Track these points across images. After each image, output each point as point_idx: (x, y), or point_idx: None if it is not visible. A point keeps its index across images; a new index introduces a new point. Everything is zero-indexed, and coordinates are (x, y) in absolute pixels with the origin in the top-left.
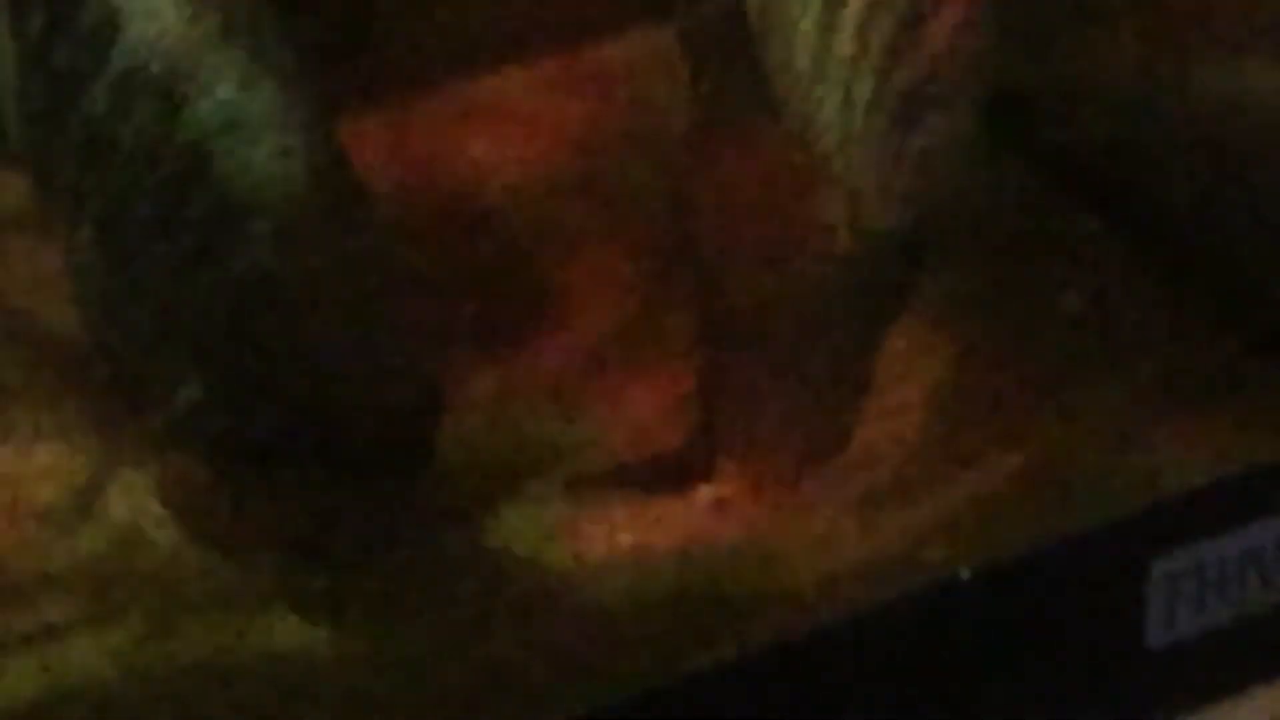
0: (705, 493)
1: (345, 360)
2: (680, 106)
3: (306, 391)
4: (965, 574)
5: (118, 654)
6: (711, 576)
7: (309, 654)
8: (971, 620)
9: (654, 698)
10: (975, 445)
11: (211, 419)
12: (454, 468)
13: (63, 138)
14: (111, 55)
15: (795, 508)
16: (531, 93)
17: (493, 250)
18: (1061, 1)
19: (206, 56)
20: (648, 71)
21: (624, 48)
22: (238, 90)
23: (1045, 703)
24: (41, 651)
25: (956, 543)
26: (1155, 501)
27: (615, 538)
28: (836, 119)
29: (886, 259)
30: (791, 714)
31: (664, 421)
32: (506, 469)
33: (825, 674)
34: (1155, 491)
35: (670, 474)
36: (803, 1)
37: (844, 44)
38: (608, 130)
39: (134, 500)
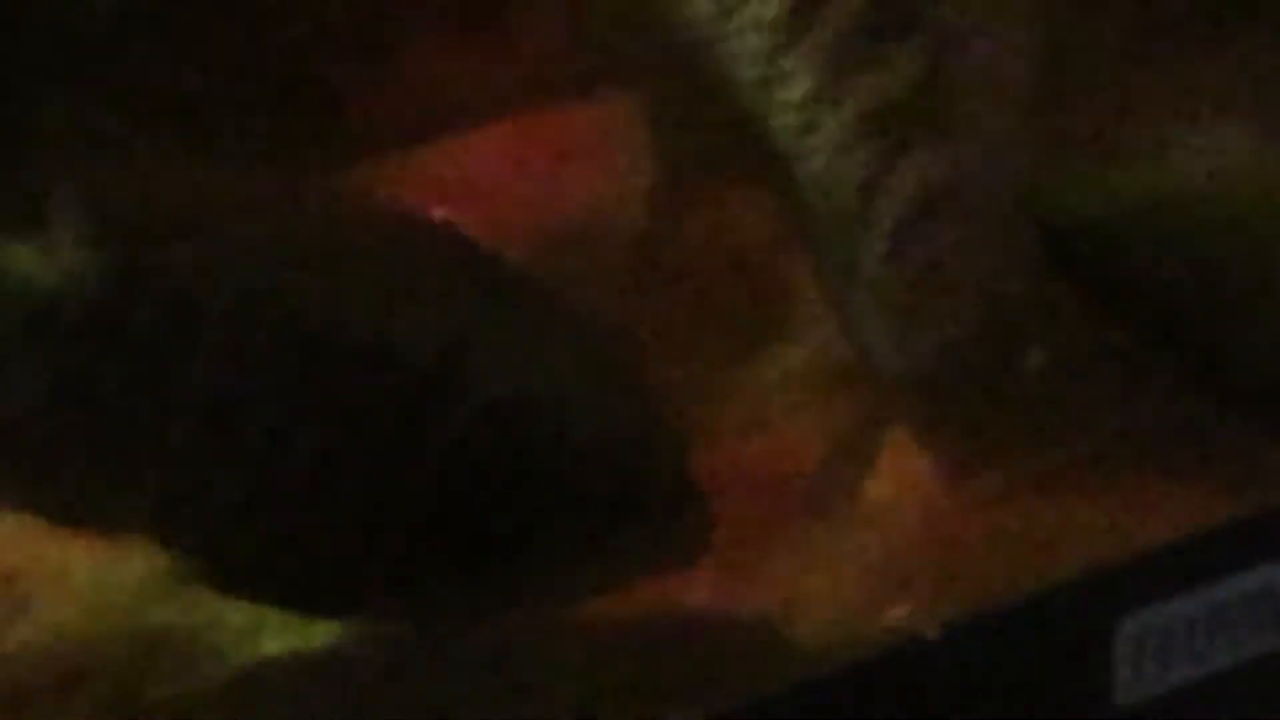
0: None
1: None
2: (643, 171)
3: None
4: (931, 634)
5: None
6: None
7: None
8: (939, 679)
9: None
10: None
11: None
12: None
13: None
14: None
15: None
16: (491, 159)
17: None
18: None
19: None
20: (611, 136)
21: (586, 113)
22: None
23: None
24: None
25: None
26: (1122, 560)
27: None
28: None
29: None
30: None
31: None
32: None
33: None
34: (1122, 549)
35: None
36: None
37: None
38: (570, 195)
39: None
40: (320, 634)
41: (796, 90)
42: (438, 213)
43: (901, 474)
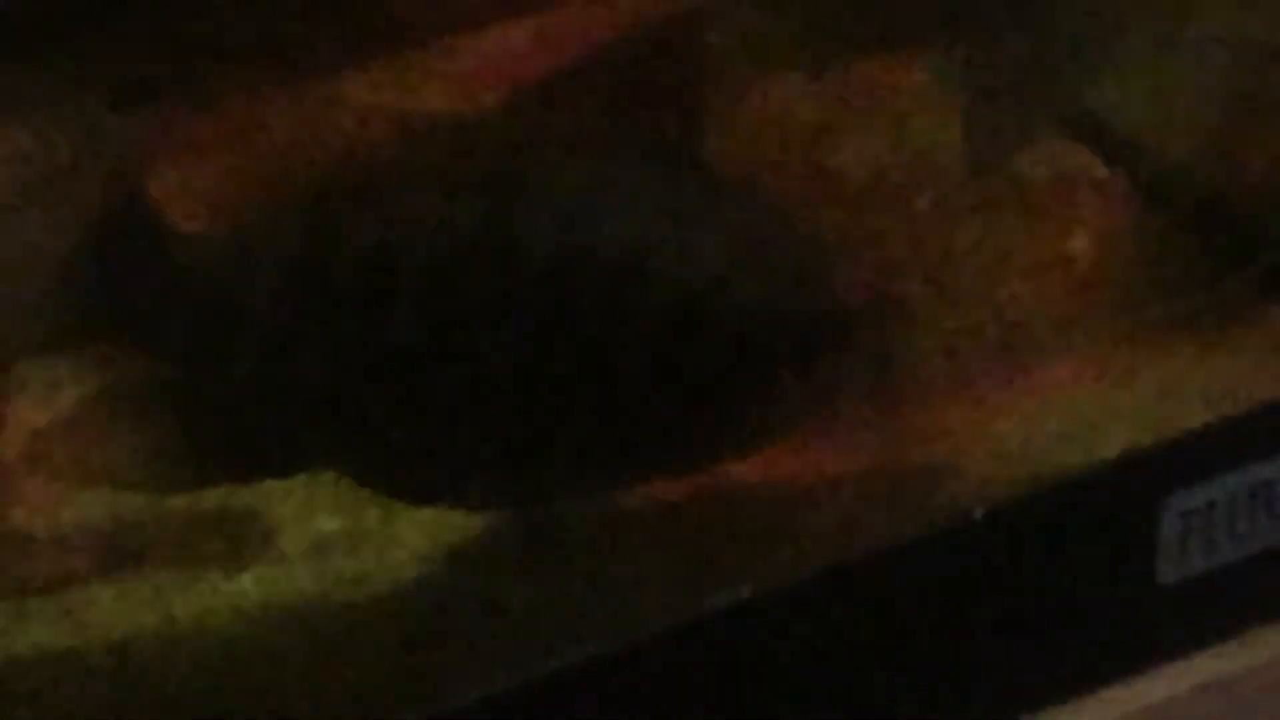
0: None
1: None
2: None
3: None
4: (978, 514)
5: (140, 602)
6: None
7: (329, 601)
8: (984, 559)
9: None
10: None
11: None
12: None
13: None
14: None
15: None
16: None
17: None
18: None
19: None
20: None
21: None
22: None
23: (1057, 641)
24: (63, 599)
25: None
26: (1166, 439)
27: None
28: None
29: None
30: (805, 655)
31: None
32: None
33: (834, 615)
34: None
35: None
36: None
37: None
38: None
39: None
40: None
41: None
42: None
43: None
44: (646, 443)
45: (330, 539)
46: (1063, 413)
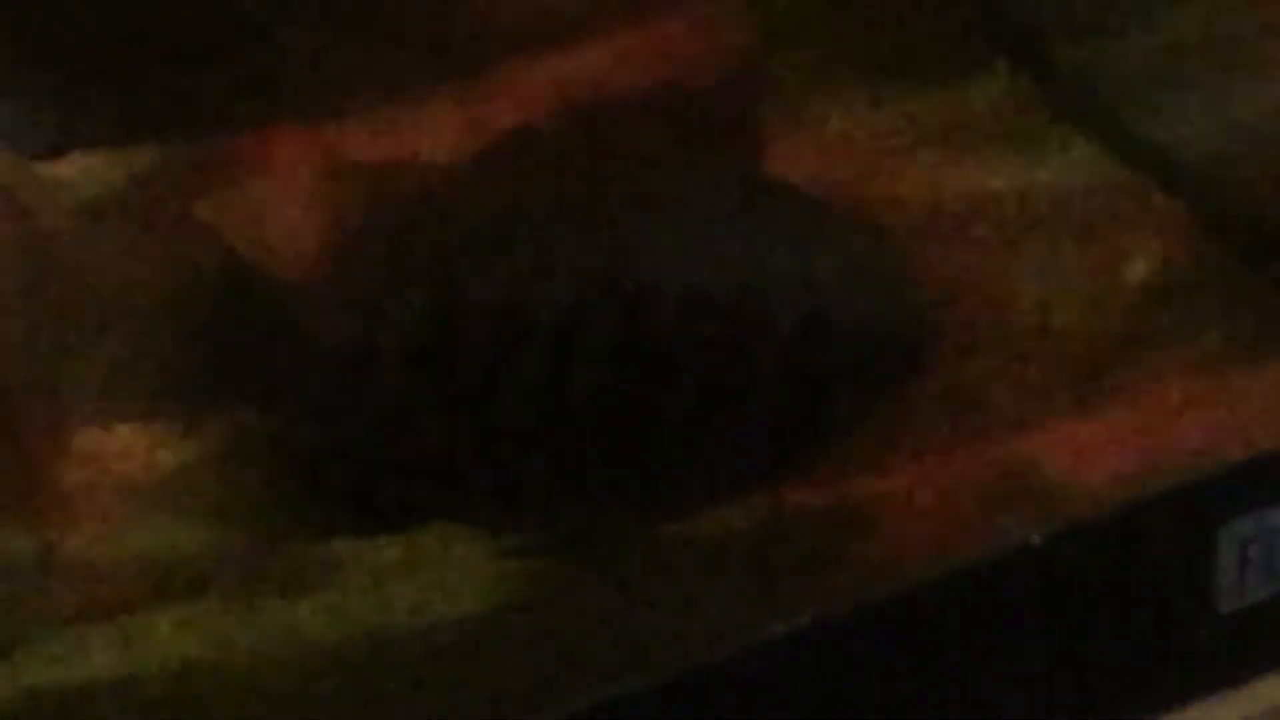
0: None
1: None
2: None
3: None
4: (1036, 539)
5: (198, 628)
6: None
7: (388, 625)
8: (1042, 586)
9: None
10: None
11: None
12: None
13: None
14: None
15: None
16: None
17: None
18: None
19: None
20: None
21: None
22: None
23: (1117, 668)
24: (123, 625)
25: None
26: (1224, 465)
27: None
28: None
29: None
30: (864, 682)
31: None
32: None
33: (897, 640)
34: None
35: None
36: None
37: None
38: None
39: (214, 479)
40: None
41: None
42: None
43: None
44: (779, 464)
45: (390, 567)
46: (1123, 445)
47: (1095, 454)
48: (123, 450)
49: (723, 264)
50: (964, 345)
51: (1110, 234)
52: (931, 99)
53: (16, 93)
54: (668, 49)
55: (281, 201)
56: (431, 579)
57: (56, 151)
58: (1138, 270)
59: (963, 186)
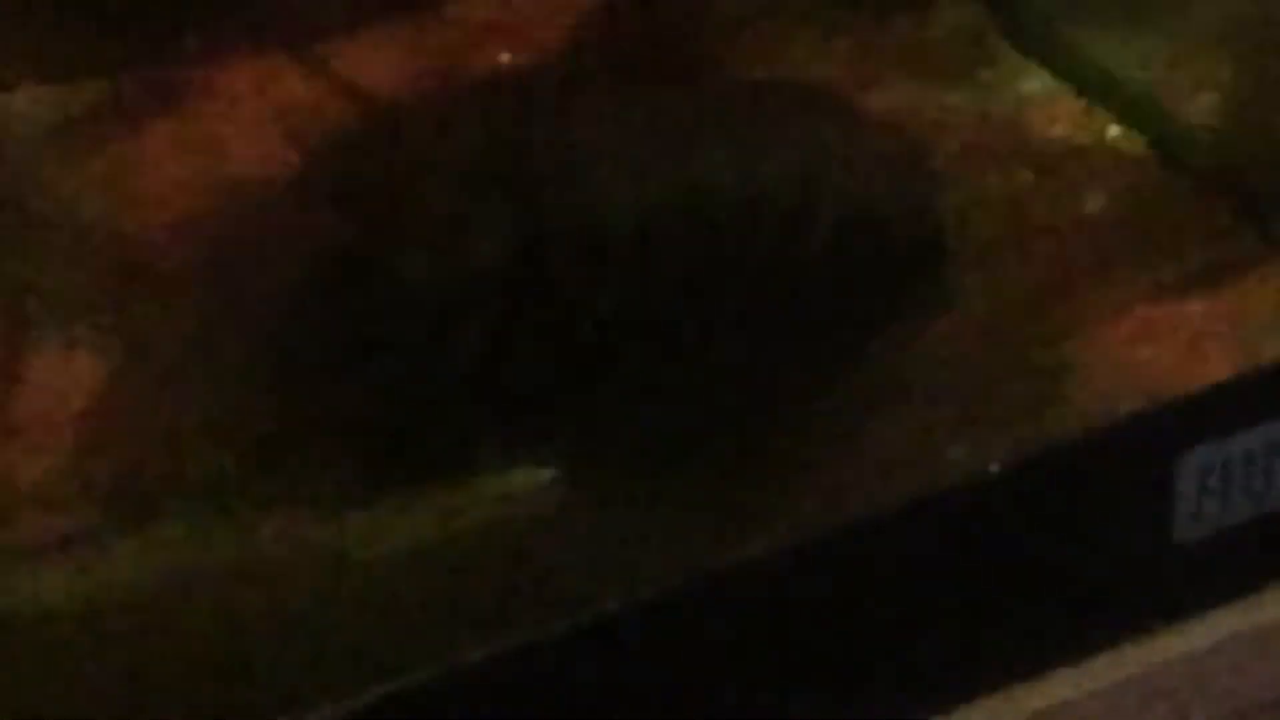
0: None
1: None
2: None
3: None
4: (994, 469)
5: (156, 555)
6: None
7: (345, 551)
8: (1001, 515)
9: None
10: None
11: None
12: None
13: None
14: None
15: None
16: None
17: None
18: None
19: None
20: None
21: None
22: None
23: (1073, 598)
24: (80, 555)
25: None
26: (1183, 395)
27: None
28: None
29: None
30: (818, 610)
31: None
32: None
33: (850, 570)
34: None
35: None
36: None
37: None
38: None
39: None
40: None
41: None
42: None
43: None
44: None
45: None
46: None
47: None
48: (80, 378)
49: (776, 167)
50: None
51: (1067, 164)
52: (889, 29)
53: None
54: None
55: (235, 131)
56: (391, 508)
57: (5, 85)
58: (1095, 200)
59: (920, 115)
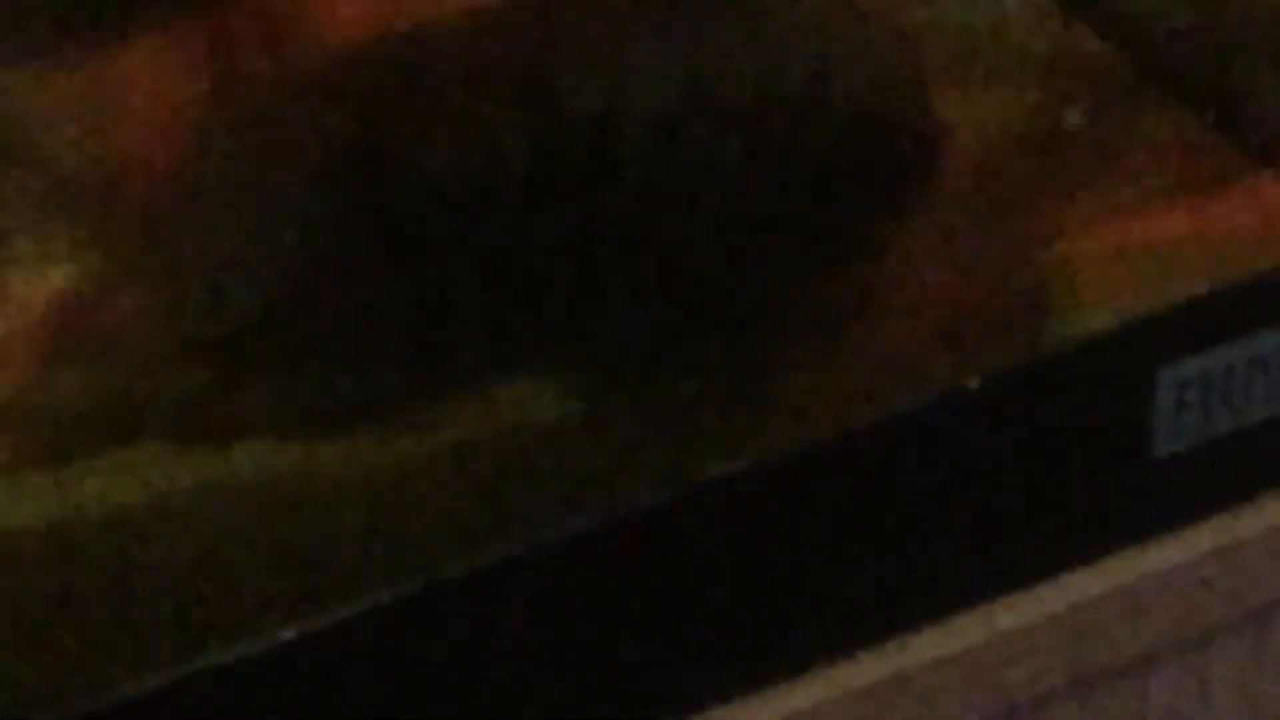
0: None
1: None
2: None
3: None
4: (973, 383)
5: (131, 475)
6: None
7: (321, 472)
8: (979, 429)
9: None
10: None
11: None
12: None
13: None
14: None
15: None
16: None
17: None
18: None
19: None
20: None
21: None
22: None
23: (1053, 510)
24: (56, 473)
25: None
26: (1163, 308)
27: None
28: None
29: None
30: (802, 524)
31: None
32: None
33: (834, 482)
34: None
35: None
36: None
37: None
38: None
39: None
40: None
41: None
42: None
43: None
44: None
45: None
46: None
47: None
48: (53, 298)
49: (786, 63)
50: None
51: (1046, 78)
52: None
53: None
54: None
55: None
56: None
57: None
58: (1074, 116)
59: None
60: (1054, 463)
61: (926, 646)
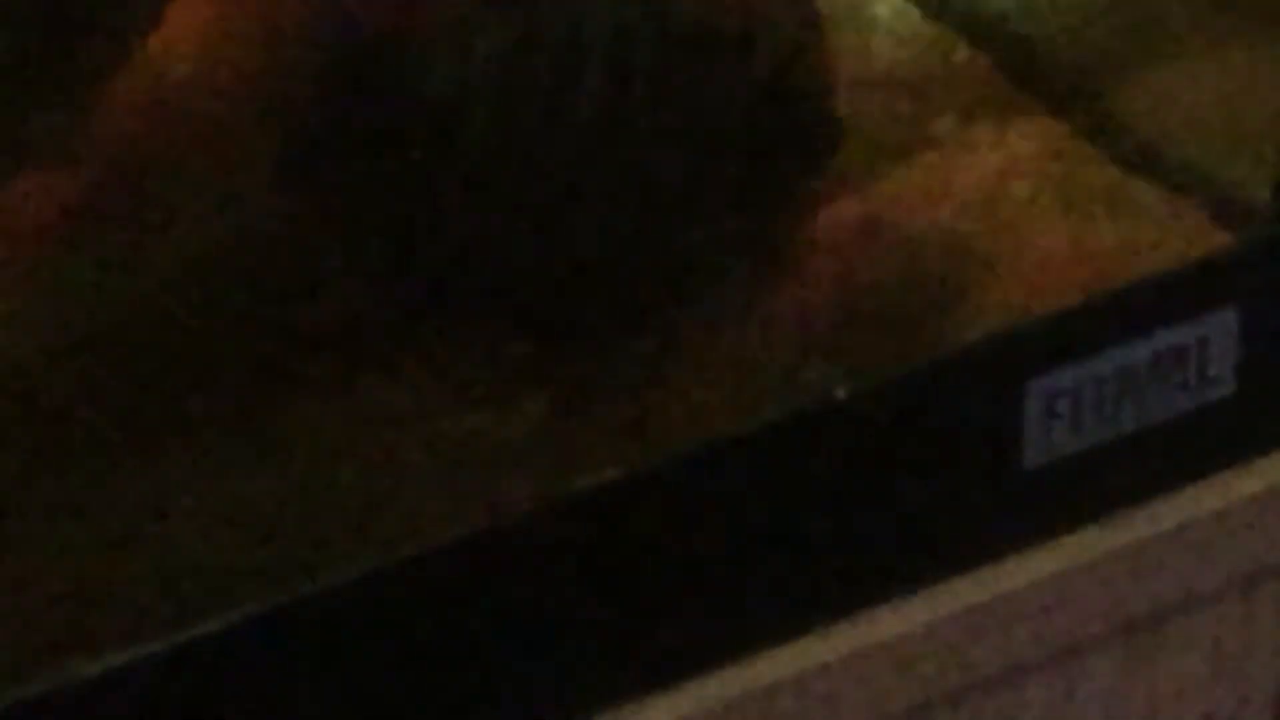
0: None
1: None
2: None
3: None
4: (841, 393)
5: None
6: None
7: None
8: (846, 440)
9: None
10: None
11: None
12: None
13: None
14: None
15: None
16: None
17: None
18: None
19: None
20: None
21: None
22: None
23: (923, 523)
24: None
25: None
26: (1033, 320)
27: None
28: None
29: None
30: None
31: None
32: None
33: (697, 495)
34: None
35: None
36: None
37: None
38: None
39: None
40: None
41: None
42: None
43: None
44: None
45: None
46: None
47: None
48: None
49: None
50: None
51: (916, 87)
52: None
53: None
54: None
55: None
56: None
57: None
58: (945, 124)
59: None
60: (923, 474)
61: (797, 656)
